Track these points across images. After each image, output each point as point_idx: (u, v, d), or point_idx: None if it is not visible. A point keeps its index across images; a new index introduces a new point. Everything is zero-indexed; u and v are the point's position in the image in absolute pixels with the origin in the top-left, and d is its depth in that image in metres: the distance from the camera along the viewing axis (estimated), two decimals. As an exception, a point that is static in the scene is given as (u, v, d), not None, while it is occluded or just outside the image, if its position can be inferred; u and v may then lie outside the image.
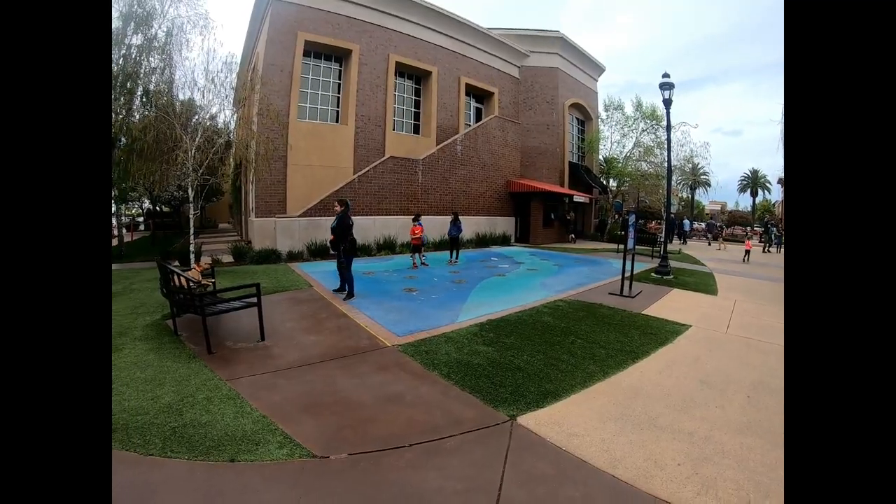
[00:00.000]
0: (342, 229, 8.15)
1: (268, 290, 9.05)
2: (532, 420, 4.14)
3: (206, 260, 12.20)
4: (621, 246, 17.83)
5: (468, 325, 6.99)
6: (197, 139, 11.11)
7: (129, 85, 12.66)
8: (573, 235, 24.46)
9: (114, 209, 17.32)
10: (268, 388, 4.80)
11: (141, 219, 34.58)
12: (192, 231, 11.71)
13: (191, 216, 11.82)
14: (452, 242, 14.51)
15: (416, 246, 13.00)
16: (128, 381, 4.84)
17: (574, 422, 4.08)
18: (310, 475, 3.38)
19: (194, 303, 5.79)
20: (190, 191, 11.36)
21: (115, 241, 18.87)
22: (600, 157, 30.72)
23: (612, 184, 29.83)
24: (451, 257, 14.38)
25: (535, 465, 3.46)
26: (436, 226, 17.58)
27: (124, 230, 19.34)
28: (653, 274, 12.51)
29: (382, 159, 17.26)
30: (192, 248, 11.53)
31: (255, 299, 6.12)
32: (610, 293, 9.51)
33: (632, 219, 10.18)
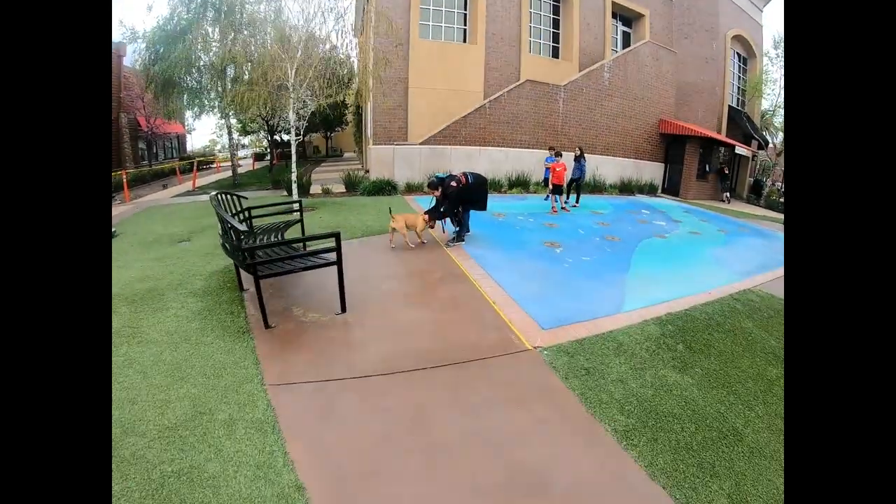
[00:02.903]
0: (452, 202, 7.00)
1: (373, 230, 7.44)
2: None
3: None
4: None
5: (642, 321, 4.55)
6: (298, 54, 9.41)
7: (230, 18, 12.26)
8: (728, 195, 19.49)
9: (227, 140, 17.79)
10: (324, 413, 3.02)
11: (267, 150, 35.78)
12: (293, 160, 10.36)
13: (292, 141, 10.32)
14: (574, 185, 12.25)
15: (558, 186, 10.68)
16: (146, 369, 3.40)
17: None
18: None
19: (244, 260, 4.04)
20: (291, 113, 9.76)
21: (228, 172, 19.38)
22: (763, 104, 24.58)
23: (777, 140, 23.90)
24: (574, 201, 12.13)
25: None
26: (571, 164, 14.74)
27: (249, 160, 19.50)
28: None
29: (518, 83, 14.58)
30: (293, 177, 10.13)
31: (332, 256, 4.20)
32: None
33: None
